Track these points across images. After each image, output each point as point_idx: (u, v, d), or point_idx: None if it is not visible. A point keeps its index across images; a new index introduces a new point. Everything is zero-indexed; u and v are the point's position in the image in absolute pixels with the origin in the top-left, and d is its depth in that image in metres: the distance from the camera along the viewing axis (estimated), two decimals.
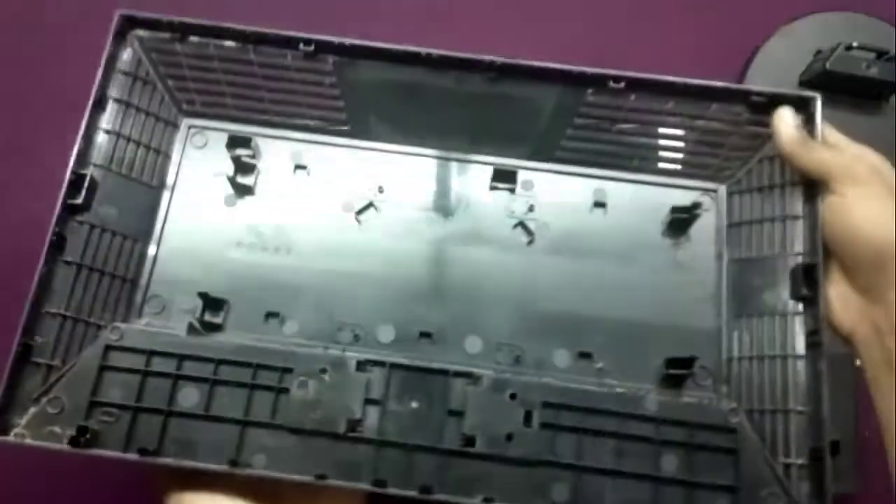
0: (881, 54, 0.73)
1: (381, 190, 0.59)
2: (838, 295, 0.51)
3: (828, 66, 0.73)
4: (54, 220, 0.52)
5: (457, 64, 0.56)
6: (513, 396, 0.51)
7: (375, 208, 0.59)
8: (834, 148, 0.52)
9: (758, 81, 0.76)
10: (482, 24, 0.79)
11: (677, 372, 0.53)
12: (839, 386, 0.72)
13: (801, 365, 0.52)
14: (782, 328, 0.53)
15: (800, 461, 0.50)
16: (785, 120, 0.53)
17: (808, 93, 0.54)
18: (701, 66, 0.78)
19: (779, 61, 0.77)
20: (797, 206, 0.54)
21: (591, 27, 0.79)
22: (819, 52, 0.75)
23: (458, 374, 0.52)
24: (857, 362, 0.72)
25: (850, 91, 0.75)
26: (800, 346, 0.52)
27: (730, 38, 0.78)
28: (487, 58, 0.54)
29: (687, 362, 0.53)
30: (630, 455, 0.50)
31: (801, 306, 0.53)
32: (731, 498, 0.50)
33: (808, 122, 0.54)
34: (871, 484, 0.74)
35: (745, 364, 0.54)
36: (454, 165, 0.60)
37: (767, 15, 0.78)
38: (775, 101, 0.54)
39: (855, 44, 0.73)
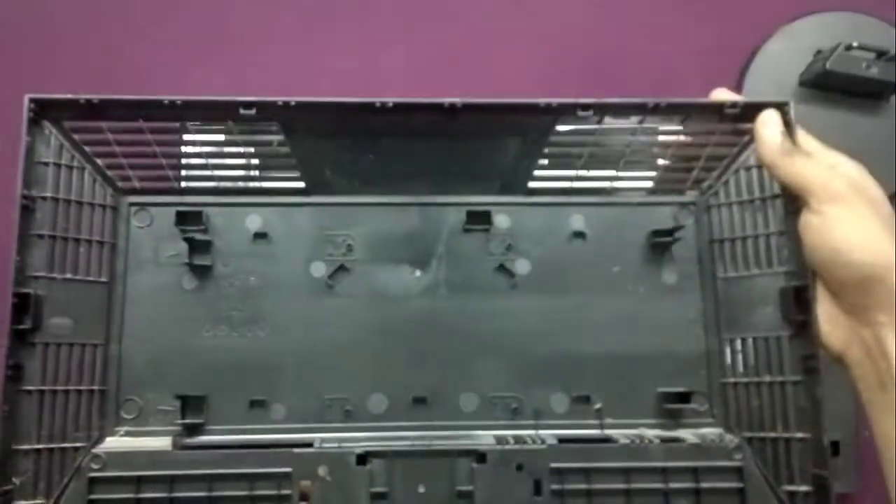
0: (881, 54, 0.72)
1: (349, 249, 0.56)
2: (826, 314, 0.49)
3: (828, 66, 0.73)
4: (6, 351, 0.48)
5: (414, 109, 0.51)
6: (519, 467, 0.50)
7: (347, 270, 0.56)
8: (814, 160, 0.49)
9: (758, 81, 0.76)
10: (479, 23, 0.79)
11: (674, 406, 0.54)
12: (839, 386, 0.72)
13: (798, 390, 0.51)
14: (777, 351, 0.52)
15: (804, 488, 0.50)
16: (768, 126, 0.50)
17: (780, 100, 0.52)
18: (701, 66, 0.79)
19: (779, 61, 0.77)
20: (780, 219, 0.53)
21: (590, 27, 0.79)
22: (819, 52, 0.75)
23: (462, 454, 0.50)
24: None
25: (850, 91, 0.75)
26: (795, 370, 0.51)
27: (730, 38, 0.78)
28: (447, 101, 0.50)
29: (683, 397, 0.54)
30: None
31: (794, 328, 0.52)
32: None
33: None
34: (871, 484, 0.75)
35: (741, 389, 0.54)
36: (423, 211, 0.57)
37: (767, 15, 0.78)
38: (749, 110, 0.53)
39: (855, 44, 0.72)
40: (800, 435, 0.51)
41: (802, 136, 0.51)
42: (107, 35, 0.77)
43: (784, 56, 0.77)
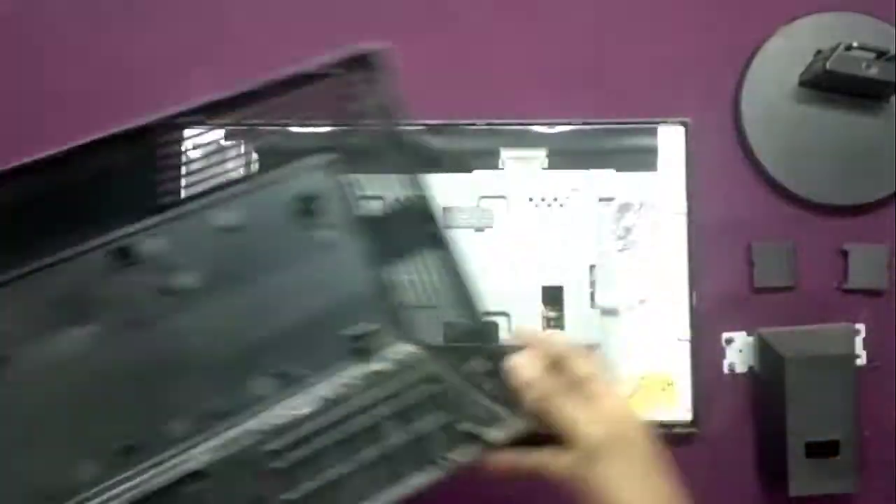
0: (881, 54, 0.72)
1: (2, 335, 0.52)
2: None
3: (828, 66, 0.72)
4: None
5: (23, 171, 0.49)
6: (239, 465, 0.51)
7: (7, 358, 0.52)
8: (575, 402, 0.49)
9: (758, 81, 0.76)
10: (479, 22, 0.79)
11: (362, 345, 0.57)
12: (839, 386, 0.72)
13: (446, 287, 0.55)
14: (424, 264, 0.57)
15: (482, 367, 0.54)
16: (527, 371, 0.50)
17: (367, 48, 0.53)
18: (701, 66, 0.78)
19: (779, 61, 0.76)
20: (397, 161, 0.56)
21: (590, 27, 0.79)
22: (819, 52, 0.75)
23: (179, 483, 0.50)
24: (859, 362, 0.74)
25: (850, 91, 0.75)
26: (439, 272, 0.55)
27: (730, 38, 0.78)
28: (45, 155, 0.48)
29: (365, 335, 0.57)
30: (361, 448, 0.52)
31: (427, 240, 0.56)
32: (452, 429, 0.52)
33: (373, 82, 0.53)
34: (871, 484, 0.75)
35: (412, 308, 0.59)
36: (74, 263, 0.54)
37: (767, 15, 0.77)
38: (344, 65, 0.53)
39: (855, 44, 0.72)
40: (462, 322, 0.54)
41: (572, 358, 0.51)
42: (106, 34, 0.77)
43: (784, 56, 0.77)
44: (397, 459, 0.51)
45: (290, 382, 0.56)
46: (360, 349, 0.58)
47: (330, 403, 0.54)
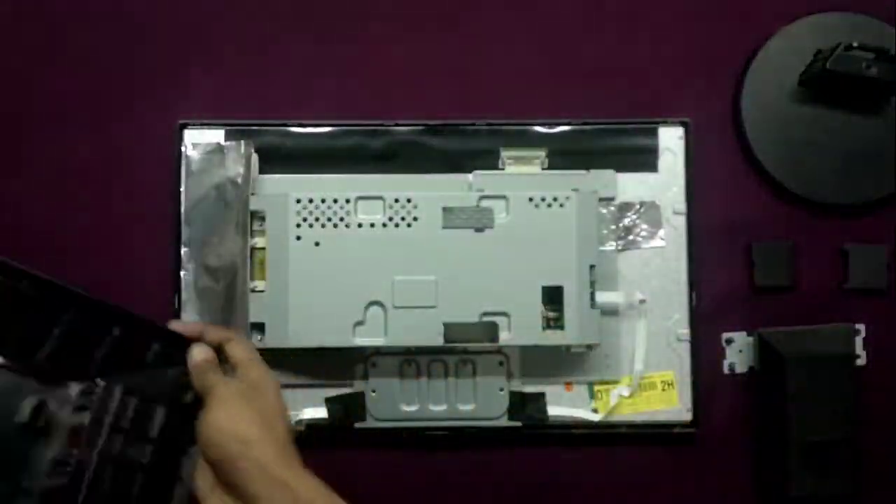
0: (881, 54, 0.72)
1: None
2: (209, 492, 0.55)
3: (828, 66, 0.72)
4: None
5: None
6: None
7: None
8: (213, 369, 0.58)
9: (758, 81, 0.76)
10: (479, 24, 0.79)
11: (38, 424, 0.52)
12: (839, 386, 0.72)
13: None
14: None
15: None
16: (197, 355, 0.58)
17: None
18: (701, 66, 0.79)
19: (779, 61, 0.76)
20: None
21: (590, 28, 0.79)
22: (819, 52, 0.75)
23: None
24: (859, 362, 0.74)
25: (850, 91, 0.75)
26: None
27: (730, 38, 0.78)
28: None
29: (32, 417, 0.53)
30: (125, 485, 0.52)
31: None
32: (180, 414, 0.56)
33: None
34: (871, 484, 0.75)
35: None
36: None
37: (767, 15, 0.77)
38: None
39: (855, 44, 0.72)
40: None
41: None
42: (106, 35, 0.77)
43: (784, 56, 0.77)
44: (157, 472, 0.53)
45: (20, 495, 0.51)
46: (40, 428, 0.51)
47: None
